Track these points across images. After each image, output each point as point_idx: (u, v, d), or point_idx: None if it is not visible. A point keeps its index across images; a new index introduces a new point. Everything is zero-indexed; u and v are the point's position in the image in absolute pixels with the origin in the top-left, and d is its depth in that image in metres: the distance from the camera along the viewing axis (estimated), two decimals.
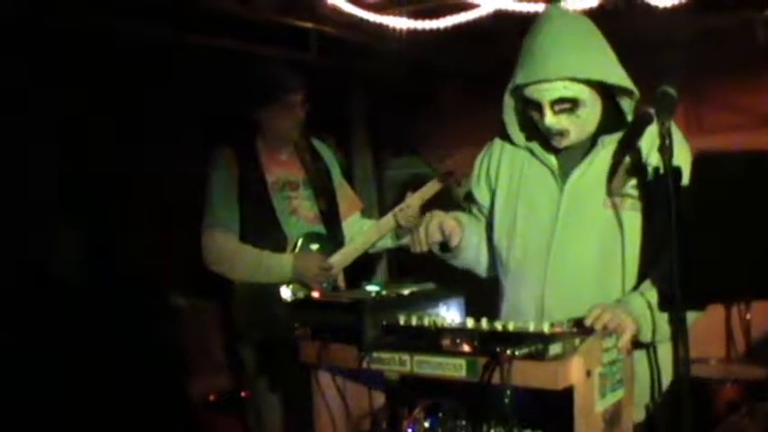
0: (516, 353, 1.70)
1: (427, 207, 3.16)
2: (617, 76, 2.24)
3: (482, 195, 2.59)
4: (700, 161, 1.88)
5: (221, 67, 4.19)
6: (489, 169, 2.55)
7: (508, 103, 2.38)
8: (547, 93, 2.20)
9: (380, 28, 4.11)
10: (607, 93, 2.27)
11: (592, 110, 2.26)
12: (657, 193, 2.05)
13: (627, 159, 2.25)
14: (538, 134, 2.39)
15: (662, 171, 1.90)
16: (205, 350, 4.63)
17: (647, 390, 2.24)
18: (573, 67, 2.18)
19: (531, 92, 2.23)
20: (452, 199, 3.36)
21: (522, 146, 2.45)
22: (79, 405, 3.99)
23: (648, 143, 2.21)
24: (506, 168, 2.50)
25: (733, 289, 2.02)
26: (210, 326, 4.54)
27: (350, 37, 4.50)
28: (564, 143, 2.30)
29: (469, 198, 2.68)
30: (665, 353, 2.28)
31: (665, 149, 1.89)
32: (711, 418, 3.41)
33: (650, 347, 2.22)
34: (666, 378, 2.26)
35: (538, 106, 2.25)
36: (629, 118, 2.28)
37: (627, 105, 2.28)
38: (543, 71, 2.19)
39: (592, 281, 2.26)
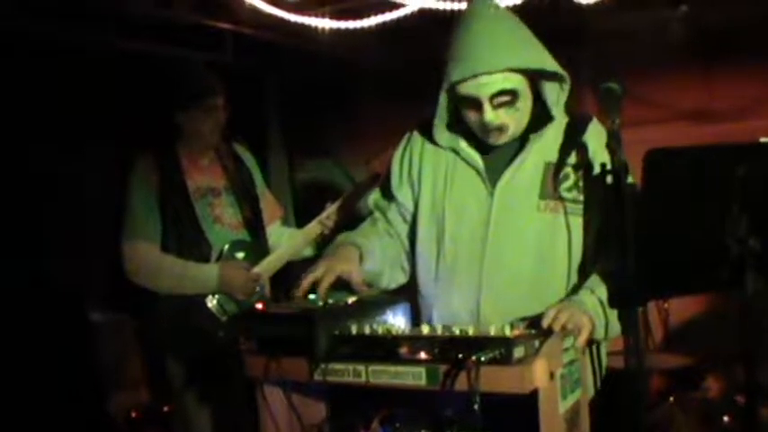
0: (483, 358, 1.65)
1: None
2: (551, 63, 2.22)
3: (405, 198, 2.46)
4: (651, 158, 1.87)
5: (138, 70, 4.04)
6: (411, 169, 2.44)
7: (442, 103, 2.31)
8: (486, 87, 2.14)
9: (302, 28, 4.03)
10: (532, 89, 2.24)
11: (527, 103, 2.23)
12: (604, 190, 2.04)
13: (569, 159, 2.23)
14: (463, 134, 2.34)
15: (609, 168, 1.90)
16: (124, 365, 4.49)
17: (591, 384, 2.21)
18: (510, 58, 2.14)
19: (469, 88, 2.16)
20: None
21: (447, 147, 2.36)
22: None
23: (594, 141, 2.20)
24: (429, 169, 2.40)
25: (682, 283, 2.03)
26: (129, 340, 4.40)
27: (269, 38, 4.39)
28: (502, 139, 2.24)
29: (385, 201, 2.54)
30: (603, 347, 2.30)
31: (615, 146, 1.88)
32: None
33: (594, 344, 2.20)
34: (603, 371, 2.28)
35: (474, 103, 2.19)
36: (554, 112, 2.26)
37: (553, 98, 2.27)
38: (481, 65, 2.13)
39: (528, 286, 2.22)
